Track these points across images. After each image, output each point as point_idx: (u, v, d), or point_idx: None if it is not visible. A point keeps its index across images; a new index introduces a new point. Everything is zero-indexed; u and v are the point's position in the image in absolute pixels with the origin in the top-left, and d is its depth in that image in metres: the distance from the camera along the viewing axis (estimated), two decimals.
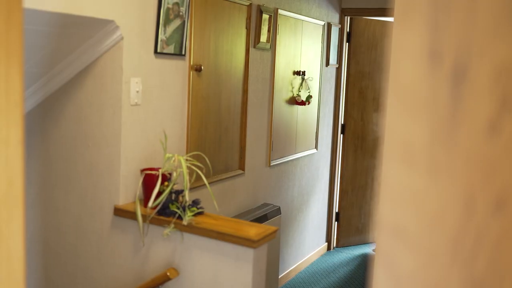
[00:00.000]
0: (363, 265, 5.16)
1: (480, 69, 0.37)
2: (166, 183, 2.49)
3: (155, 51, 2.72)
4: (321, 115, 4.99)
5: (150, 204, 2.46)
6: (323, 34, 4.88)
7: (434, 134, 0.39)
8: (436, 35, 0.38)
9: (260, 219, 3.72)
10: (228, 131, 3.53)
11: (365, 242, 5.63)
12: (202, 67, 3.11)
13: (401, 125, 0.41)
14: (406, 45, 0.40)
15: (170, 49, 2.81)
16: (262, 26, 3.75)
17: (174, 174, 2.50)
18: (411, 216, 0.41)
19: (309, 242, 5.09)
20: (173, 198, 2.51)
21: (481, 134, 0.37)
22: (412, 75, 0.40)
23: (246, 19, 3.59)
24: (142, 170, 2.59)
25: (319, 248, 5.33)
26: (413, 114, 0.40)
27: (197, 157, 2.75)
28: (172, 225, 2.44)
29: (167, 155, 2.52)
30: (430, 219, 0.40)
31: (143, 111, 2.71)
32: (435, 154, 0.39)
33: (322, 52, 4.90)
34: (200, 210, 2.51)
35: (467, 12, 0.37)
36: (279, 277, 4.34)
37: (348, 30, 5.34)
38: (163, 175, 2.49)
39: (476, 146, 0.37)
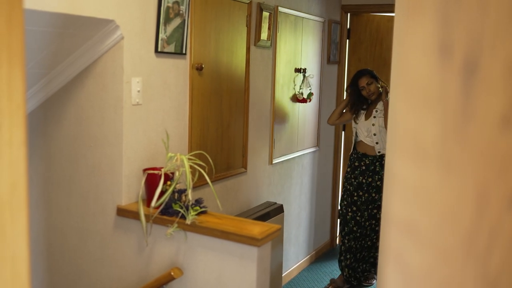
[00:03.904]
0: None
1: (492, 62, 0.36)
2: (168, 182, 2.48)
3: (156, 50, 2.71)
4: (322, 112, 4.99)
5: (153, 203, 2.46)
6: (323, 31, 4.87)
7: (445, 129, 0.38)
8: (446, 28, 0.38)
9: (263, 217, 3.71)
10: (230, 129, 3.52)
11: None
12: (203, 66, 3.11)
13: (411, 120, 0.40)
14: (415, 39, 0.40)
15: (171, 48, 2.81)
16: (262, 24, 3.74)
17: (177, 174, 2.50)
18: (422, 213, 0.41)
19: (312, 240, 5.08)
20: (176, 197, 2.50)
21: (493, 129, 0.37)
22: (421, 69, 0.39)
23: (247, 17, 3.59)
24: (145, 170, 2.59)
25: (322, 245, 5.33)
26: (424, 109, 0.39)
27: (199, 156, 2.75)
28: (176, 225, 2.43)
29: (169, 154, 2.52)
30: (442, 215, 0.39)
31: (145, 110, 2.70)
32: (447, 149, 0.38)
33: (322, 49, 4.89)
34: (203, 209, 2.50)
35: (478, 4, 0.36)
36: (283, 275, 4.33)
37: (348, 26, 5.32)
38: (166, 175, 2.48)
39: (488, 140, 0.37)
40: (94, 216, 2.74)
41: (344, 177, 4.40)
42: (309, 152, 4.84)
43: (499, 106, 0.36)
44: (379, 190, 4.20)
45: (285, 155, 4.37)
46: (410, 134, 0.41)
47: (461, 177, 0.38)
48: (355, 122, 4.27)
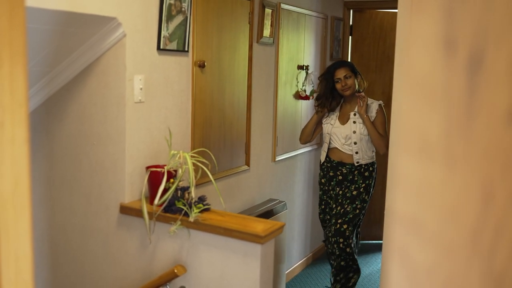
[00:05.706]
0: (370, 260, 5.15)
1: (497, 57, 0.36)
2: (171, 180, 2.48)
3: (158, 48, 2.71)
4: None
5: (156, 201, 2.46)
6: (326, 28, 4.86)
7: (449, 125, 0.38)
8: (450, 23, 0.37)
9: (266, 215, 3.71)
10: (232, 127, 3.52)
11: (370, 236, 5.62)
12: (206, 63, 3.10)
13: (416, 116, 0.40)
14: (419, 35, 0.39)
15: (173, 45, 2.80)
16: (265, 21, 3.74)
17: (180, 171, 2.50)
18: (426, 209, 0.40)
19: (315, 237, 5.08)
20: (179, 195, 2.51)
21: (498, 125, 0.36)
22: (425, 66, 0.39)
23: (249, 14, 3.58)
24: (148, 168, 2.59)
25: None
26: (428, 105, 0.39)
27: (202, 154, 2.75)
28: (179, 222, 2.44)
29: (172, 152, 2.52)
30: (446, 211, 0.39)
31: (147, 108, 2.70)
32: (451, 146, 0.38)
33: (325, 46, 4.88)
34: (206, 207, 2.51)
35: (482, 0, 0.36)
36: (286, 272, 4.33)
37: (351, 23, 5.31)
38: (169, 172, 2.49)
39: (494, 136, 0.36)
40: (97, 214, 2.75)
41: (320, 189, 3.93)
42: (312, 149, 4.83)
43: (504, 102, 0.36)
44: (353, 200, 3.69)
45: (288, 152, 4.37)
46: (414, 130, 0.40)
47: (465, 173, 0.38)
48: (323, 122, 3.82)
